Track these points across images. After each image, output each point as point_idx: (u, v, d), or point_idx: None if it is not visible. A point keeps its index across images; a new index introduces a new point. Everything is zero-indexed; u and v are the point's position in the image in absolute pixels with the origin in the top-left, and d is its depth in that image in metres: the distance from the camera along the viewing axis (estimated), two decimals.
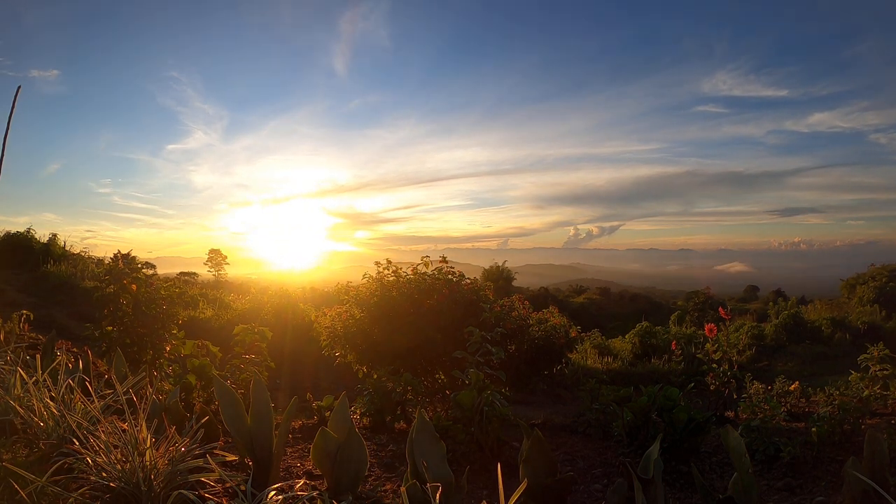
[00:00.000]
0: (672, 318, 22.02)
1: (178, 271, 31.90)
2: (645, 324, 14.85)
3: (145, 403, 2.51)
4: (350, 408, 3.61)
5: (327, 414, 4.63)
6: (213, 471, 2.11)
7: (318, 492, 2.31)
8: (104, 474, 1.99)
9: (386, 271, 6.75)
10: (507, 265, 32.80)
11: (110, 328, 5.60)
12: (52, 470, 2.01)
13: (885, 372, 4.92)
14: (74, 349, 5.45)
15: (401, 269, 6.77)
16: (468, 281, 6.84)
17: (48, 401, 2.52)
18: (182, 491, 1.97)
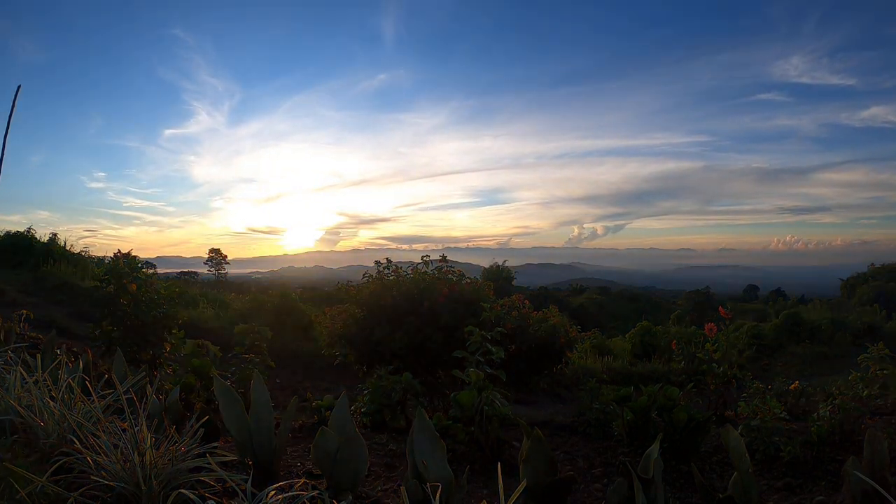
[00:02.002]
0: (672, 317, 22.05)
1: (179, 271, 31.93)
2: (645, 323, 14.85)
3: (145, 403, 2.51)
4: (350, 407, 3.61)
5: (327, 413, 4.63)
6: (213, 470, 2.11)
7: (318, 491, 2.31)
8: (104, 474, 1.99)
9: (386, 270, 6.75)
10: (507, 264, 32.80)
11: (110, 328, 5.60)
12: (52, 469, 2.01)
13: (884, 372, 4.92)
14: (75, 349, 5.45)
15: (401, 268, 6.77)
16: (468, 280, 6.83)
17: (48, 400, 2.52)
18: (182, 490, 1.97)
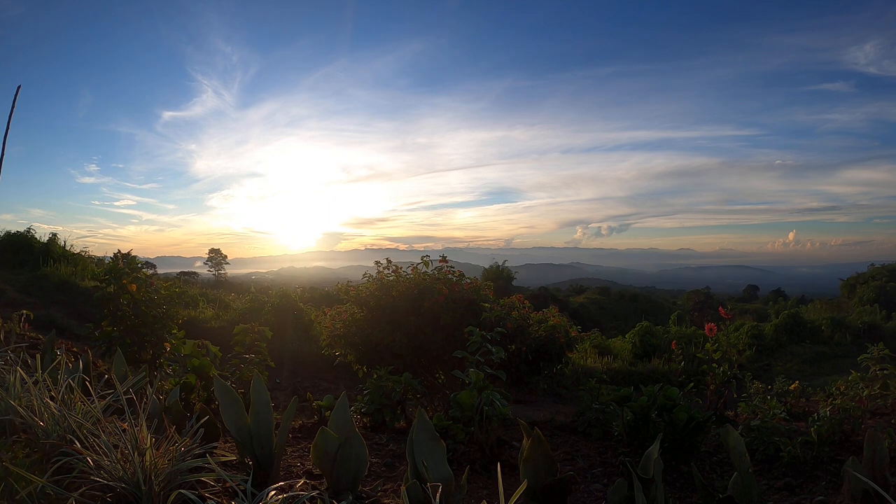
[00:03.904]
0: (672, 317, 22.06)
1: (179, 271, 31.97)
2: (645, 323, 14.87)
3: (145, 403, 2.51)
4: (350, 407, 3.61)
5: (327, 413, 4.63)
6: (213, 470, 2.11)
7: (318, 491, 2.32)
8: (104, 474, 1.99)
9: (386, 271, 6.75)
10: (507, 265, 32.82)
11: (110, 328, 5.60)
12: (52, 470, 2.02)
13: (884, 372, 4.92)
14: (75, 349, 5.45)
15: (401, 268, 6.77)
16: (468, 281, 6.84)
17: (48, 401, 2.52)
18: (182, 491, 1.97)
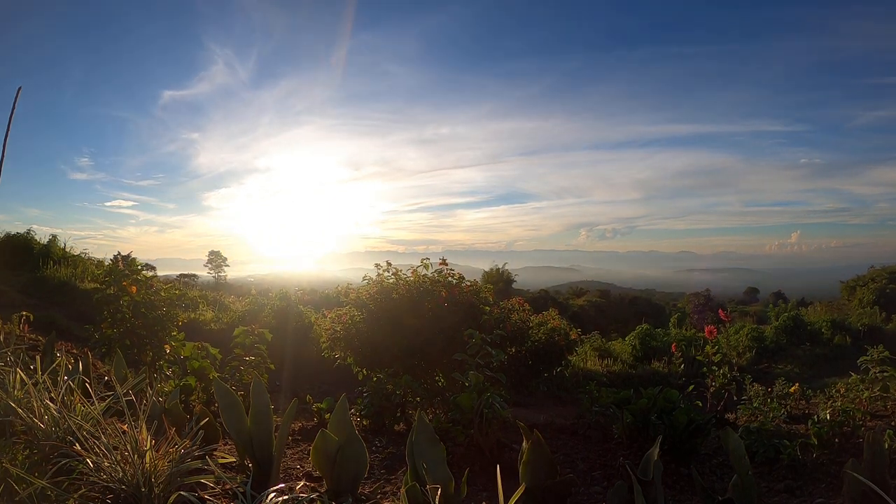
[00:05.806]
0: (672, 320, 22.06)
1: (178, 273, 32.00)
2: (645, 326, 14.87)
3: (145, 405, 2.51)
4: (350, 410, 3.61)
5: (327, 416, 4.63)
6: (212, 472, 2.12)
7: (317, 493, 2.32)
8: (104, 476, 1.99)
9: (385, 273, 6.75)
10: (507, 267, 32.81)
11: (110, 330, 5.60)
12: (52, 471, 2.02)
13: (884, 374, 4.92)
14: (74, 350, 5.45)
15: (400, 270, 6.77)
16: (468, 283, 6.84)
17: (48, 402, 2.52)
18: (182, 493, 1.97)
